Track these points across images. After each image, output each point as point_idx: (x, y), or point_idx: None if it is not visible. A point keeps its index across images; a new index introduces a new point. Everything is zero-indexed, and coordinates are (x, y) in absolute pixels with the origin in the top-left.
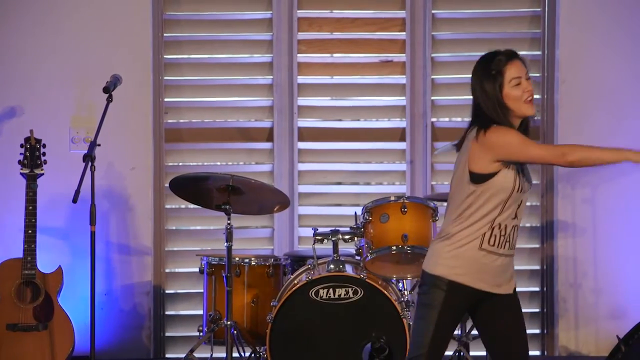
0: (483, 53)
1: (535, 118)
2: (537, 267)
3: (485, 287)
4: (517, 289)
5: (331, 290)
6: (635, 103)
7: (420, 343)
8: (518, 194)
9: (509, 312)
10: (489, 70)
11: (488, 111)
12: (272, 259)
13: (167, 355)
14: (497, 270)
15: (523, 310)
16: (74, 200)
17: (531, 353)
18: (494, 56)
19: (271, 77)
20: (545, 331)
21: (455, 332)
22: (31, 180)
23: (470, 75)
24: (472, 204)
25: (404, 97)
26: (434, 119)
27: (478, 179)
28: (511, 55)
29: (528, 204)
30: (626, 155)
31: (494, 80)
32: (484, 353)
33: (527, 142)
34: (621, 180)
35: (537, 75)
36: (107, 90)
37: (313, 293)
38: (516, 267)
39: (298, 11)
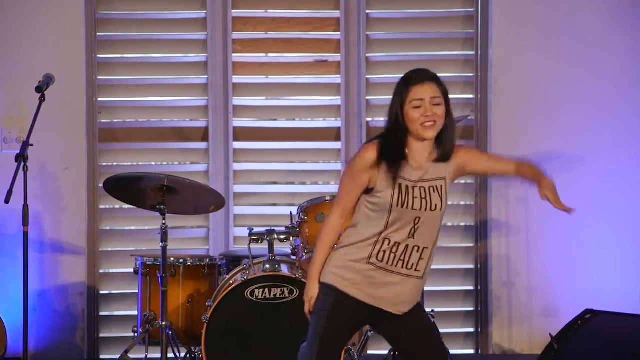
0: (417, 53)
1: (469, 117)
2: (471, 266)
3: (375, 303)
4: (452, 288)
5: (267, 290)
6: (565, 103)
7: (311, 352)
8: (405, 210)
9: (411, 328)
10: (399, 85)
11: (388, 123)
12: (208, 259)
13: (102, 357)
14: (392, 288)
15: (458, 309)
16: (6, 201)
17: (465, 352)
18: (410, 74)
19: (206, 76)
20: (479, 330)
21: None
22: None
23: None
24: (364, 215)
25: (338, 97)
26: (368, 119)
27: (366, 190)
28: (423, 78)
29: (462, 202)
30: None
31: (400, 97)
32: None
33: (344, 176)
34: (554, 179)
35: (471, 75)
36: (40, 89)
37: (249, 293)
38: (450, 266)
39: (232, 11)
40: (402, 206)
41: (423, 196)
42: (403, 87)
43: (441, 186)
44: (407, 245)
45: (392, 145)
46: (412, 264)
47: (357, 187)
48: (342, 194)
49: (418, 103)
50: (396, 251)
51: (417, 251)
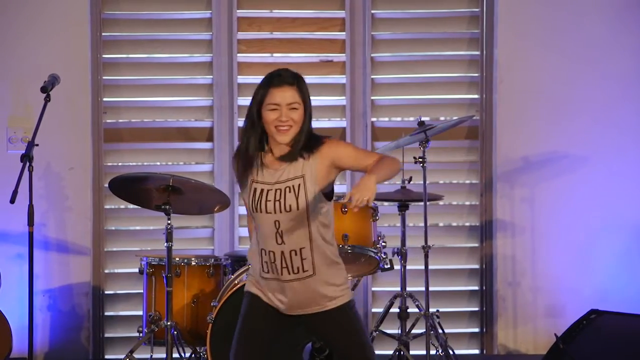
0: (422, 53)
1: (474, 117)
2: (476, 266)
3: (286, 311)
4: (457, 288)
5: None
6: (571, 103)
7: (230, 353)
8: (261, 215)
9: (328, 328)
10: (259, 85)
11: (245, 123)
12: (213, 259)
13: (107, 357)
14: (292, 295)
15: (463, 309)
16: (12, 201)
17: (470, 352)
18: (275, 74)
19: (211, 76)
20: (484, 330)
21: (395, 332)
22: None
23: (410, 75)
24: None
25: (344, 97)
26: (373, 119)
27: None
28: (283, 82)
29: (467, 202)
30: None
31: (258, 97)
32: (424, 352)
33: None
34: (559, 179)
35: (476, 75)
36: (45, 89)
37: None
38: (455, 266)
39: (238, 11)
40: (257, 210)
41: (277, 198)
42: (262, 88)
43: (298, 185)
44: (282, 252)
45: (244, 150)
46: (297, 267)
47: (244, 196)
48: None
49: (274, 107)
50: (275, 260)
51: (296, 254)
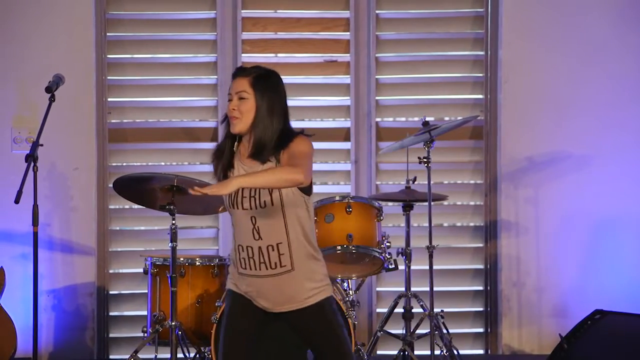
0: (426, 53)
1: (479, 118)
2: (481, 267)
3: (267, 308)
4: (461, 288)
5: None
6: (575, 103)
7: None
8: (237, 211)
9: (306, 323)
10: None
11: (224, 117)
12: (217, 259)
13: (111, 357)
14: (271, 291)
15: (468, 309)
16: (16, 201)
17: (475, 352)
18: (239, 67)
19: (215, 77)
20: (488, 330)
21: (400, 332)
22: None
23: (415, 75)
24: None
25: (348, 97)
26: (378, 119)
27: None
28: (236, 73)
29: (472, 203)
30: None
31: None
32: (428, 352)
33: None
34: (564, 179)
35: (481, 75)
36: (50, 90)
37: None
38: (460, 266)
39: (242, 11)
40: (233, 207)
41: (252, 194)
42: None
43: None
44: (259, 248)
45: (220, 147)
46: (275, 263)
47: None
48: None
49: (229, 96)
50: (253, 255)
51: (273, 250)
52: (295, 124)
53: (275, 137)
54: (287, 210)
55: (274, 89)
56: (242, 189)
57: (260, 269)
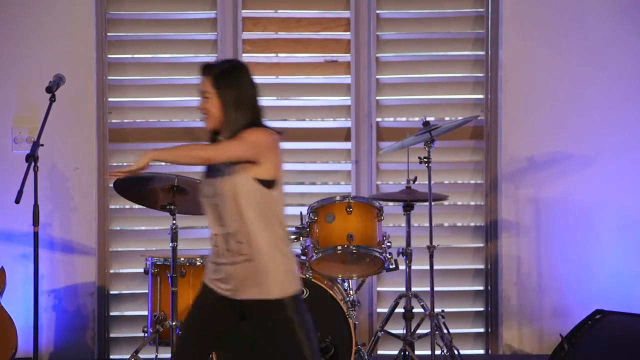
0: (427, 53)
1: (479, 117)
2: (482, 267)
3: (228, 294)
4: (462, 288)
5: None
6: (576, 103)
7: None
8: (204, 199)
9: (266, 319)
10: None
11: None
12: None
13: (112, 357)
14: (232, 278)
15: (468, 309)
16: (17, 201)
17: (475, 352)
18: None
19: None
20: (489, 330)
21: (400, 332)
22: None
23: (415, 75)
24: None
25: (348, 97)
26: (378, 119)
27: None
28: (202, 71)
29: (472, 203)
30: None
31: None
32: (429, 352)
33: None
34: (564, 180)
35: (481, 75)
36: (50, 90)
37: None
38: (460, 266)
39: (243, 11)
40: (202, 195)
41: (212, 183)
42: None
43: (228, 170)
44: (223, 235)
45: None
46: (235, 250)
47: None
48: None
49: (200, 95)
50: (218, 244)
51: (233, 237)
52: (295, 124)
53: (244, 128)
54: (243, 201)
55: (236, 83)
56: (207, 177)
57: (224, 256)
